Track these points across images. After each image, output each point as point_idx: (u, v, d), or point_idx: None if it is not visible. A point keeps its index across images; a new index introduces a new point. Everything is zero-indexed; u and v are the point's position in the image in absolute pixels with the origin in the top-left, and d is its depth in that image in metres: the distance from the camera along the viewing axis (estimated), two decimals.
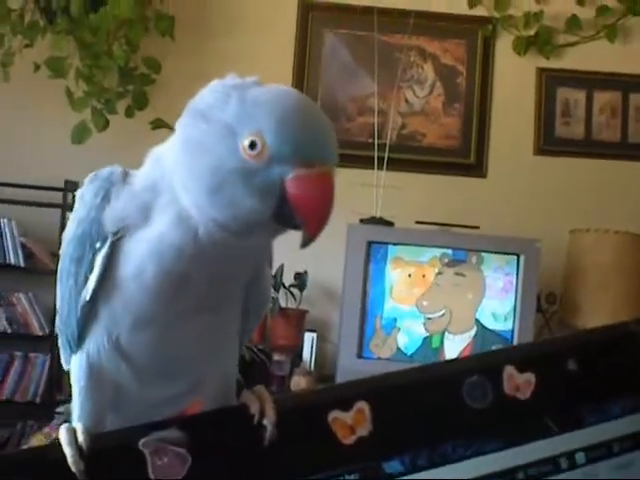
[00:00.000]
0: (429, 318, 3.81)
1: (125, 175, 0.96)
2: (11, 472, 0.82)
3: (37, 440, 3.65)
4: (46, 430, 3.72)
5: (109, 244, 0.92)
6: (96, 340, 0.97)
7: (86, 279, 0.94)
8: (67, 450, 0.85)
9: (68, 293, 0.98)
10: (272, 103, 0.86)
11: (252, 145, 0.84)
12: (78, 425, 0.89)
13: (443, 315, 3.81)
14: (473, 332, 3.81)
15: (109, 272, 0.93)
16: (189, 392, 1.04)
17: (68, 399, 3.31)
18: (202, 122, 0.88)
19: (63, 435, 0.87)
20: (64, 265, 0.99)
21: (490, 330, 3.81)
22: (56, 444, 0.86)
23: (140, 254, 0.91)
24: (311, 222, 0.86)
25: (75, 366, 1.00)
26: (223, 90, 0.89)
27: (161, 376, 1.00)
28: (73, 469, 0.83)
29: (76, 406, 0.98)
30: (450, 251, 3.81)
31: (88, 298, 0.95)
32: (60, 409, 3.90)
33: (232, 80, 0.90)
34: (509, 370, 0.93)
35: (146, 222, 0.92)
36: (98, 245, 0.93)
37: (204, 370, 1.02)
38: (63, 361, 1.05)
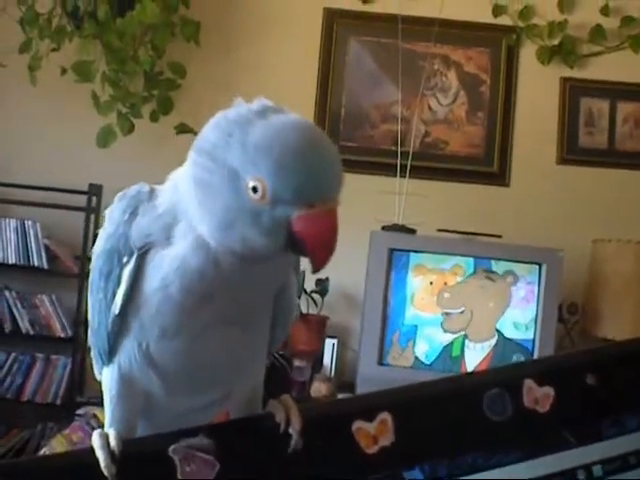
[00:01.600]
0: (447, 314, 3.80)
1: (151, 193, 0.99)
2: (45, 476, 0.85)
3: (57, 442, 3.67)
4: (66, 432, 3.73)
5: (135, 258, 0.96)
6: (127, 351, 1.00)
7: (114, 293, 0.98)
8: (100, 454, 0.88)
9: (98, 306, 1.01)
10: (271, 147, 0.86)
11: (255, 189, 0.87)
12: (110, 430, 0.92)
13: (463, 312, 3.81)
14: (494, 341, 3.81)
15: (136, 286, 0.97)
16: (217, 402, 1.07)
17: (89, 401, 3.30)
18: (209, 162, 0.90)
19: (96, 440, 0.90)
20: (94, 279, 1.02)
21: (511, 340, 3.81)
22: (89, 449, 0.88)
23: (164, 269, 0.95)
24: (317, 256, 0.90)
25: (107, 376, 1.02)
26: (226, 128, 0.90)
27: (189, 386, 1.03)
28: (105, 473, 0.86)
29: (108, 413, 1.00)
30: (472, 260, 3.81)
31: (117, 312, 0.98)
32: (80, 411, 3.92)
33: (236, 112, 0.91)
34: (528, 383, 0.95)
35: (169, 241, 0.95)
36: (125, 259, 0.96)
37: (232, 381, 1.05)
38: (96, 372, 1.08)
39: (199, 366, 1.00)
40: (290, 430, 0.93)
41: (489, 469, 0.92)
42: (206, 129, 0.93)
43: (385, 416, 0.92)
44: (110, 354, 1.01)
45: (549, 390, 0.95)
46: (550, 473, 0.92)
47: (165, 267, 0.94)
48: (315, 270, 0.91)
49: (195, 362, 0.99)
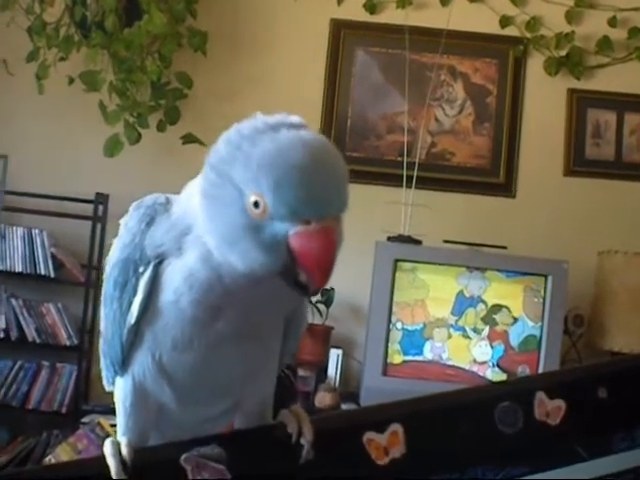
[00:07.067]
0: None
1: (167, 203, 1.00)
2: None
3: (62, 450, 3.67)
4: (71, 440, 3.73)
5: (152, 268, 0.96)
6: (141, 362, 1.00)
7: (130, 303, 0.98)
8: (111, 462, 0.88)
9: (112, 317, 1.01)
10: (272, 164, 0.87)
11: (256, 204, 0.88)
12: (122, 439, 0.92)
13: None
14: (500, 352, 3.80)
15: (151, 296, 0.97)
16: (228, 413, 1.07)
17: (94, 409, 3.29)
18: (216, 177, 0.92)
19: (107, 448, 0.90)
20: (108, 289, 1.02)
21: (517, 351, 3.80)
22: (100, 456, 0.88)
23: (176, 281, 0.95)
24: (314, 275, 0.89)
25: (120, 386, 1.02)
26: (236, 142, 0.91)
27: (201, 397, 1.03)
28: None
29: (121, 423, 1.01)
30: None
31: (133, 321, 0.98)
32: (85, 419, 3.91)
33: (251, 125, 0.92)
34: (540, 396, 0.95)
35: (180, 252, 0.96)
36: (142, 269, 0.97)
37: (243, 393, 1.05)
38: (105, 382, 1.08)
39: (211, 379, 1.00)
40: (302, 441, 0.93)
41: None
42: (220, 142, 0.93)
43: (396, 427, 0.92)
44: (123, 364, 1.01)
45: (560, 403, 0.95)
46: None
47: (176, 278, 0.95)
48: (313, 289, 0.90)
49: (207, 375, 1.00)
